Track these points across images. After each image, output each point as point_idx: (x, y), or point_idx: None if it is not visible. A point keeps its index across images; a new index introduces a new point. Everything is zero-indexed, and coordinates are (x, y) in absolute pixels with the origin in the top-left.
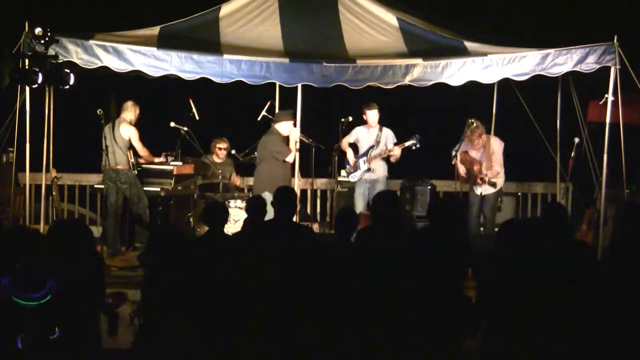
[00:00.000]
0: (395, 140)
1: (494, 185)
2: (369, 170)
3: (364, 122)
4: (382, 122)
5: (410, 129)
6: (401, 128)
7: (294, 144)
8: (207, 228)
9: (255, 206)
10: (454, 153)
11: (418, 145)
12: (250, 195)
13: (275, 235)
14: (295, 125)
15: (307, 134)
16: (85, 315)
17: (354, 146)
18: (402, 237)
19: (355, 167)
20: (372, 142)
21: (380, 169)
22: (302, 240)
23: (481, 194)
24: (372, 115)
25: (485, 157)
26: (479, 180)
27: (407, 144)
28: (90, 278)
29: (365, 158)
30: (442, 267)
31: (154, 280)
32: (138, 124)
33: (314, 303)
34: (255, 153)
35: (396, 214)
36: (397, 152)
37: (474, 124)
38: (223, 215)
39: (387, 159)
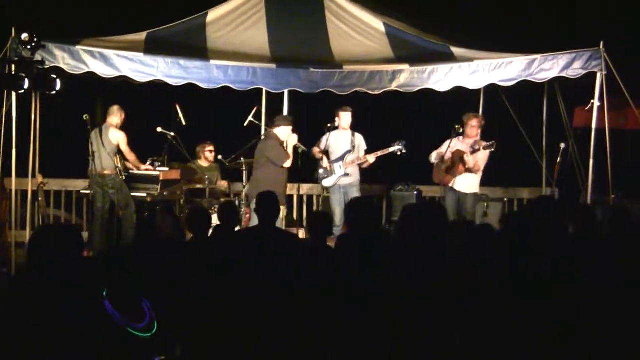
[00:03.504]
0: (366, 147)
1: (470, 171)
2: (346, 175)
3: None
4: (369, 128)
5: (396, 134)
6: (387, 133)
7: (292, 150)
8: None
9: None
10: (434, 155)
11: (404, 151)
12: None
13: (259, 241)
14: (294, 131)
15: None
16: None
17: (325, 152)
18: (381, 243)
19: (330, 172)
20: (348, 146)
21: (355, 174)
22: (285, 247)
23: (458, 193)
24: (347, 117)
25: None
26: (460, 168)
27: (391, 149)
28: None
29: (341, 163)
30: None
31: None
32: (124, 129)
33: (295, 309)
34: (242, 159)
35: (372, 220)
36: (371, 160)
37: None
38: (206, 222)
39: (358, 165)
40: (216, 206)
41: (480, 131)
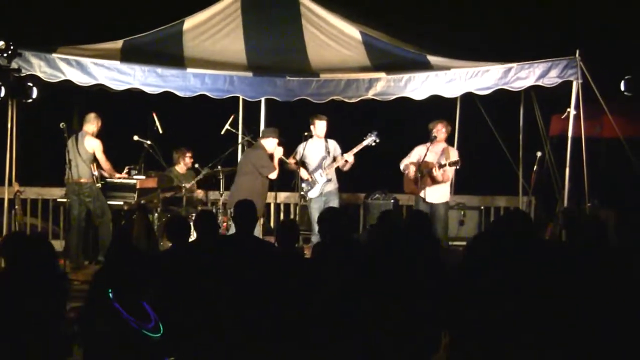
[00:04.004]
0: (341, 151)
1: (438, 183)
2: (329, 180)
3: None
4: (344, 136)
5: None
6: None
7: (277, 162)
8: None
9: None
10: (404, 163)
11: (377, 140)
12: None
13: (236, 249)
14: (279, 144)
15: None
16: (48, 329)
17: (301, 163)
18: (355, 251)
19: (313, 182)
20: (322, 152)
21: (334, 180)
22: (262, 255)
23: (429, 204)
24: (322, 126)
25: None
26: (428, 181)
27: (365, 142)
28: (51, 293)
29: (320, 170)
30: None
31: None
32: (101, 137)
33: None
34: (219, 167)
35: (341, 230)
36: (350, 159)
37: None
38: (185, 230)
39: (337, 170)
40: (193, 214)
41: (447, 135)
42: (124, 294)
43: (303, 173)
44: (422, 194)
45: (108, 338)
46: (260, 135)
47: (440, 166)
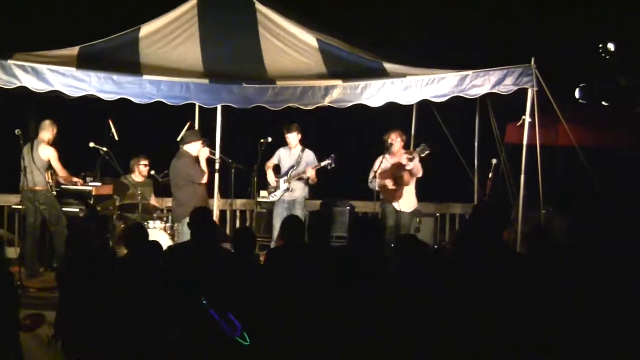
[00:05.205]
0: (316, 163)
1: (414, 176)
2: (288, 190)
3: (285, 143)
4: (303, 143)
5: (330, 149)
6: (321, 148)
7: (205, 164)
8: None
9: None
10: (372, 175)
11: (333, 165)
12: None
13: (194, 257)
14: (203, 144)
15: (227, 154)
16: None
17: (277, 167)
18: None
19: (277, 187)
20: (292, 162)
21: (299, 190)
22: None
23: (398, 212)
24: (291, 138)
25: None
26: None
27: (322, 164)
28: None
29: (285, 178)
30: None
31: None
32: (57, 144)
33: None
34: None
35: (301, 237)
36: (310, 173)
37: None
38: (144, 238)
39: (307, 181)
40: (149, 222)
41: (403, 144)
42: (214, 302)
43: (270, 177)
44: (395, 204)
45: (89, 340)
46: (182, 142)
47: (410, 159)
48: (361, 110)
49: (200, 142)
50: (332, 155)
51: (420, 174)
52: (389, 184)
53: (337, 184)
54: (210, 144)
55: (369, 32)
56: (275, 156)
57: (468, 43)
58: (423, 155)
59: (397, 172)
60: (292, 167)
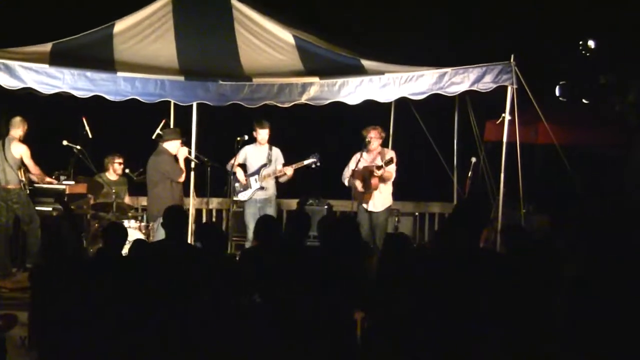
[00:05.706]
0: (283, 161)
1: (384, 181)
2: (261, 188)
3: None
4: (279, 141)
5: (307, 147)
6: (298, 146)
7: (184, 163)
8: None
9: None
10: (346, 173)
11: (319, 164)
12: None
13: (168, 256)
14: (182, 143)
15: (202, 152)
16: None
17: (242, 166)
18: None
19: (246, 186)
20: (263, 160)
21: (271, 188)
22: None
23: (370, 212)
24: (264, 133)
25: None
26: (373, 180)
27: (306, 162)
28: None
29: (257, 176)
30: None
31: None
32: (29, 142)
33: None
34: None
35: (277, 237)
36: (289, 172)
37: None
38: (123, 236)
39: (276, 178)
40: (123, 221)
41: (381, 142)
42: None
43: (240, 175)
44: (364, 205)
45: (62, 341)
46: (161, 139)
47: (378, 167)
48: (339, 107)
49: (180, 140)
50: (316, 154)
51: (392, 179)
52: (359, 185)
53: (314, 181)
54: (187, 142)
55: (346, 29)
56: (241, 155)
57: (445, 40)
58: (389, 165)
59: (367, 175)
60: (264, 165)
